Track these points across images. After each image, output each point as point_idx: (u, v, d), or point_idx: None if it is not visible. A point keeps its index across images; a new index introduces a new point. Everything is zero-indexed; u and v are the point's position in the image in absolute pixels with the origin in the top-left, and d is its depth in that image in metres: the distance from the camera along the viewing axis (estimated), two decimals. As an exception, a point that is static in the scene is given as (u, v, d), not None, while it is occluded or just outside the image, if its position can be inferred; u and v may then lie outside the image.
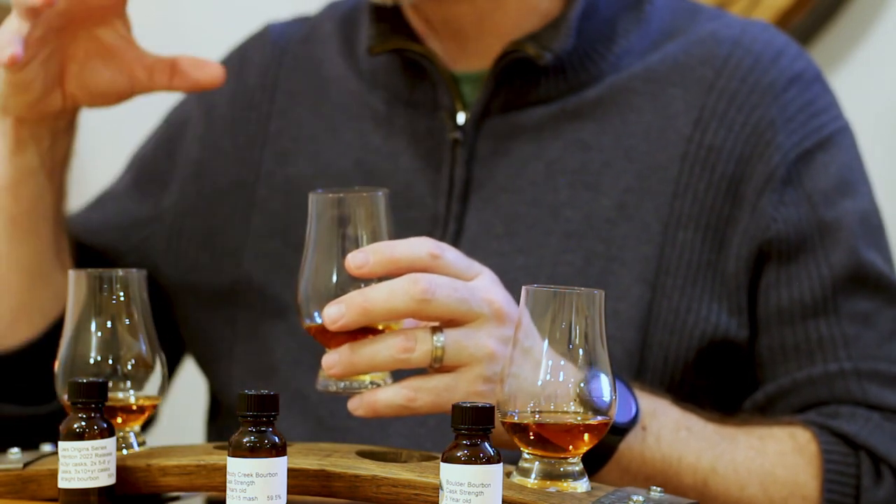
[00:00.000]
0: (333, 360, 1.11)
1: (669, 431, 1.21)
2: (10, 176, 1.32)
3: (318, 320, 1.11)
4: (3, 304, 1.36)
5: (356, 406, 1.12)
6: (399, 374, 1.12)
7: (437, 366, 1.10)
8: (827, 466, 1.25)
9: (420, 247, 1.11)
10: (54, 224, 1.35)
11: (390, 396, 1.11)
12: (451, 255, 1.12)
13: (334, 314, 1.09)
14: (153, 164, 1.48)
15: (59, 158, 1.34)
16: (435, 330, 1.10)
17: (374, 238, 1.13)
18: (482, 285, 1.12)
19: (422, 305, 1.08)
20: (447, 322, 1.10)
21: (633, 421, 1.16)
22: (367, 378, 1.12)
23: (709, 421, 1.25)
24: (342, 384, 1.13)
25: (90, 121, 2.49)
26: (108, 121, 2.49)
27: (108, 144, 2.48)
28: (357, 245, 1.12)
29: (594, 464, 1.14)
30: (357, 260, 1.10)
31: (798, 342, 1.31)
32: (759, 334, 1.32)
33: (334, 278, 1.12)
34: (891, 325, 1.32)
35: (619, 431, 1.15)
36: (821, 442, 1.26)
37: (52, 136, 1.32)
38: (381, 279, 1.10)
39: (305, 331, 1.14)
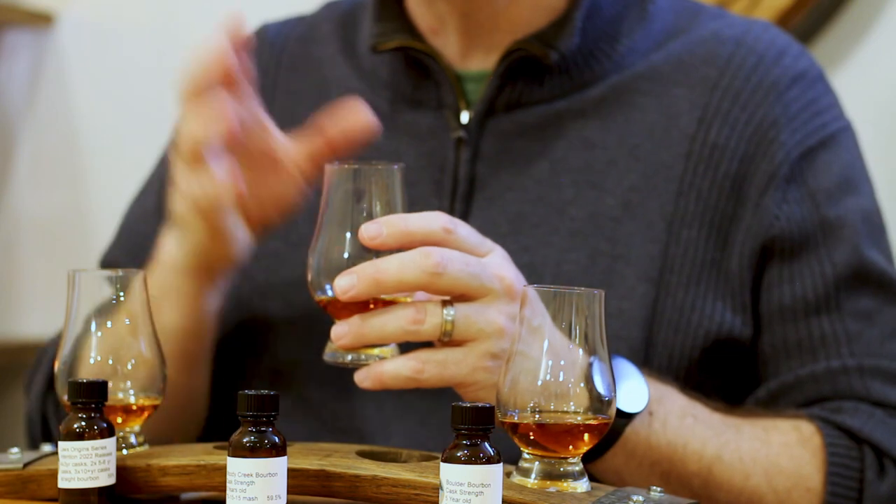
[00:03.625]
0: (343, 330, 1.11)
1: (675, 418, 1.21)
2: (196, 322, 1.31)
3: (330, 293, 1.12)
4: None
5: (363, 378, 1.12)
6: (407, 351, 1.12)
7: (446, 339, 1.11)
8: (831, 459, 1.25)
9: (434, 220, 1.12)
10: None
11: (397, 368, 1.11)
12: (463, 230, 1.13)
13: (345, 284, 1.10)
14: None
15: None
16: (445, 303, 1.11)
17: (389, 211, 1.14)
18: (494, 262, 1.13)
19: (433, 279, 1.09)
20: (458, 297, 1.11)
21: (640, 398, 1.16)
22: (375, 351, 1.12)
23: (714, 410, 1.25)
24: (349, 356, 1.13)
25: (90, 120, 2.50)
26: (109, 120, 2.49)
27: (107, 144, 2.48)
28: (371, 218, 1.13)
29: (600, 448, 1.14)
30: (370, 231, 1.10)
31: (801, 339, 1.31)
32: (761, 332, 1.32)
33: (347, 250, 1.13)
34: (893, 323, 1.32)
35: (626, 416, 1.15)
36: (825, 435, 1.26)
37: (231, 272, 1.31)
38: (393, 252, 1.11)
39: (317, 304, 1.14)
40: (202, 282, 1.29)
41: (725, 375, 1.33)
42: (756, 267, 1.32)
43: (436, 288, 1.10)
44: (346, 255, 1.13)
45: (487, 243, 1.14)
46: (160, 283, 1.28)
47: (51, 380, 1.36)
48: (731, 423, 1.25)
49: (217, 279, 1.30)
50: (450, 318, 1.10)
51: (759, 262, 1.32)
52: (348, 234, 1.13)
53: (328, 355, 1.14)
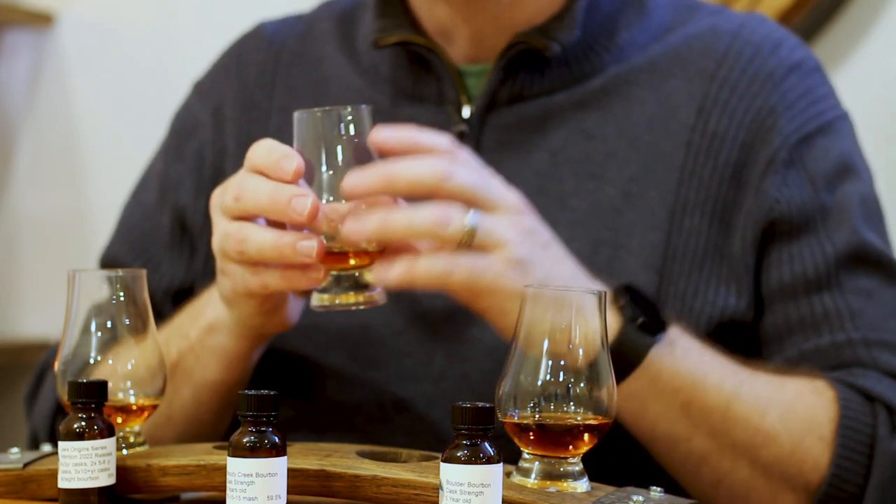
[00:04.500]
0: (361, 225, 1.11)
1: (695, 352, 1.22)
2: (241, 376, 1.30)
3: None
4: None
5: (385, 274, 1.12)
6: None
7: (465, 245, 1.13)
8: (844, 412, 1.25)
9: (441, 138, 1.16)
10: None
11: (431, 263, 1.13)
12: (466, 153, 1.17)
13: (356, 181, 1.11)
14: (185, 209, 1.44)
15: None
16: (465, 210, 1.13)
17: (360, 152, 1.14)
18: (498, 181, 1.17)
19: (443, 180, 1.12)
20: (468, 204, 1.13)
21: (661, 327, 1.18)
22: (361, 297, 1.14)
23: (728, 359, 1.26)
24: (337, 300, 1.14)
25: (90, 120, 2.50)
26: (109, 120, 2.49)
27: (107, 144, 2.48)
28: (344, 160, 1.13)
29: (623, 371, 1.16)
30: (382, 135, 1.14)
31: (803, 316, 1.31)
32: (764, 312, 1.33)
33: (324, 193, 1.13)
34: (892, 303, 1.32)
35: (649, 330, 1.17)
36: (838, 389, 1.26)
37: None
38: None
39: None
40: (254, 344, 1.28)
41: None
42: (758, 250, 1.33)
43: (446, 190, 1.12)
44: (323, 200, 1.13)
45: (487, 170, 1.18)
46: (206, 342, 1.28)
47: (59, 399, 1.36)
48: (746, 369, 1.25)
49: (267, 338, 1.29)
50: (472, 223, 1.13)
51: (761, 245, 1.33)
52: (324, 176, 1.13)
53: (315, 304, 1.15)
